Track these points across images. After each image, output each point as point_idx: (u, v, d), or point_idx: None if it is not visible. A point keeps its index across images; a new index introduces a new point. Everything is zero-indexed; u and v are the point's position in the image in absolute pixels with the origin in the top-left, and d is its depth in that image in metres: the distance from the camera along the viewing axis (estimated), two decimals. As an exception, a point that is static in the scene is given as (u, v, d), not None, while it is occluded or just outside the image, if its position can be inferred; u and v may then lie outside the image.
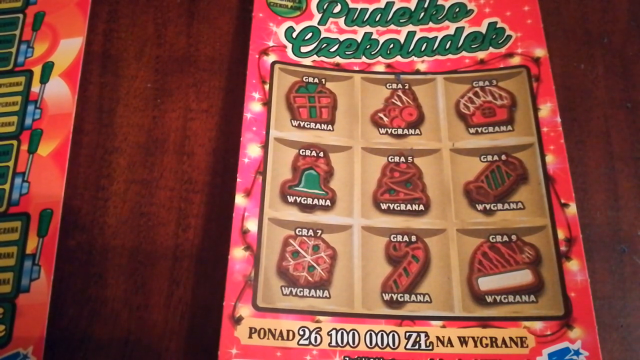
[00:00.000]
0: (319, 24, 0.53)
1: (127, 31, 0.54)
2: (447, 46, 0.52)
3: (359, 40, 0.52)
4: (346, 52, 0.52)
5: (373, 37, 0.52)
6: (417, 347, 0.42)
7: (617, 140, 0.50)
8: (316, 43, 0.52)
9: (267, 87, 0.50)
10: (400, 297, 0.44)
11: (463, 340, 0.42)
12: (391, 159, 0.48)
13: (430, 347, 0.42)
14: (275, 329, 0.42)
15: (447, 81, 0.51)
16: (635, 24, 0.54)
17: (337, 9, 0.53)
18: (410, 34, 0.52)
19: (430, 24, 0.53)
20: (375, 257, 0.45)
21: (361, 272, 0.45)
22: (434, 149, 0.48)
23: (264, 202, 0.46)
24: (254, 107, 0.49)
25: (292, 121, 0.49)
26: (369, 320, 0.43)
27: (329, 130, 0.49)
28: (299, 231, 0.45)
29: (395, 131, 0.49)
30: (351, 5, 0.54)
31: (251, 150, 0.47)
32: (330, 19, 0.53)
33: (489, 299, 0.43)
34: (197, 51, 0.53)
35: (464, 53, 0.51)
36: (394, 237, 0.46)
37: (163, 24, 0.54)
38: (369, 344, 0.42)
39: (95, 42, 0.53)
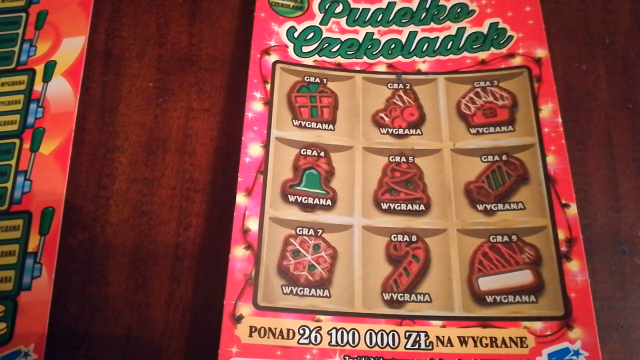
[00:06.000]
0: (320, 24, 0.53)
1: (129, 30, 0.54)
2: (449, 46, 0.52)
3: (361, 40, 0.52)
4: (347, 52, 0.52)
5: (374, 37, 0.52)
6: (417, 346, 0.42)
7: (618, 141, 0.50)
8: (318, 43, 0.52)
9: (268, 86, 0.50)
10: (401, 296, 0.44)
11: (463, 340, 0.42)
12: (392, 158, 0.48)
13: (430, 347, 0.42)
14: (275, 328, 0.42)
15: (448, 81, 0.51)
16: (637, 25, 0.54)
17: (339, 9, 0.54)
18: (412, 34, 0.52)
19: (432, 24, 0.53)
20: (376, 257, 0.45)
21: (361, 272, 0.45)
22: (435, 149, 0.49)
23: (265, 202, 0.46)
24: (255, 106, 0.49)
25: (294, 121, 0.49)
26: (369, 319, 0.43)
27: (330, 130, 0.49)
28: (299, 230, 0.46)
29: (396, 131, 0.49)
30: (353, 6, 0.54)
31: (252, 150, 0.47)
32: (332, 19, 0.53)
33: (489, 299, 0.43)
34: (199, 50, 0.53)
35: (465, 53, 0.51)
36: (394, 237, 0.46)
37: (165, 24, 0.54)
38: (368, 344, 0.42)
39: (97, 41, 0.53)
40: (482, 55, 0.51)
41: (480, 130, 0.49)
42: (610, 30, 0.54)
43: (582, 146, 0.50)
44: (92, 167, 0.49)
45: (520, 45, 0.51)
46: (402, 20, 0.53)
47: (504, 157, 0.47)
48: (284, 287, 0.44)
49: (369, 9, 0.54)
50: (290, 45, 0.52)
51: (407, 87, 0.51)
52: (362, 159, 0.48)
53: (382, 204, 0.47)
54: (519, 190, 0.46)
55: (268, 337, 0.42)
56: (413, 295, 0.44)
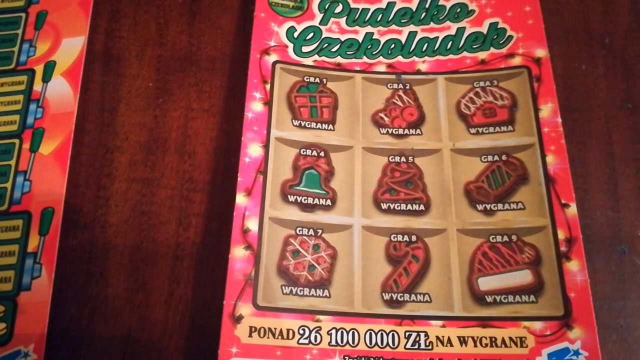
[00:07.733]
0: (320, 24, 0.53)
1: (129, 30, 0.54)
2: (448, 46, 0.52)
3: (360, 40, 0.52)
4: (347, 52, 0.52)
5: (374, 37, 0.52)
6: (416, 346, 0.42)
7: (617, 141, 0.50)
8: (317, 43, 0.52)
9: (268, 86, 0.50)
10: (400, 296, 0.44)
11: (463, 340, 0.42)
12: (392, 158, 0.48)
13: (430, 347, 0.42)
14: (275, 328, 0.42)
15: (448, 81, 0.51)
16: (636, 24, 0.54)
17: (339, 9, 0.54)
18: (412, 34, 0.52)
19: (432, 24, 0.53)
20: (376, 257, 0.45)
21: (361, 272, 0.45)
22: (435, 149, 0.49)
23: (265, 202, 0.46)
24: (255, 106, 0.49)
25: (293, 121, 0.49)
26: (369, 319, 0.43)
27: (330, 130, 0.49)
28: (299, 230, 0.46)
29: (396, 131, 0.49)
30: (352, 6, 0.54)
31: (252, 150, 0.47)
32: (332, 19, 0.53)
33: (489, 299, 0.43)
34: (198, 51, 0.53)
35: (465, 53, 0.51)
36: (394, 237, 0.46)
37: (165, 24, 0.54)
38: (368, 344, 0.42)
39: (97, 42, 0.53)
40: (482, 55, 0.51)
41: (480, 130, 0.49)
42: (610, 30, 0.54)
43: (581, 146, 0.50)
44: (91, 167, 0.49)
45: (520, 45, 0.51)
46: (402, 20, 0.53)
47: (504, 157, 0.47)
48: (283, 287, 0.44)
49: (369, 9, 0.54)
50: (290, 45, 0.52)
51: (407, 87, 0.51)
52: (362, 159, 0.48)
53: (381, 204, 0.47)
54: (518, 190, 0.46)
55: (268, 337, 0.42)
56: (413, 295, 0.44)
